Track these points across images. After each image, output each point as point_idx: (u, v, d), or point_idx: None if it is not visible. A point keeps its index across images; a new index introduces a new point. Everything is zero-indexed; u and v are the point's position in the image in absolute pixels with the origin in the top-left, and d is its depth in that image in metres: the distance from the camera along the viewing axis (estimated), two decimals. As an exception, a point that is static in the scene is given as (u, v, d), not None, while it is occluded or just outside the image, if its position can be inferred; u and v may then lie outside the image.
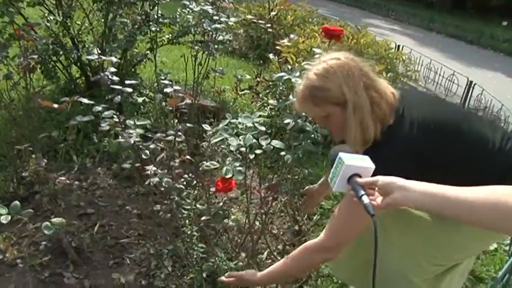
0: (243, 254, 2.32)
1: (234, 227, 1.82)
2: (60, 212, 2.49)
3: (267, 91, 3.09)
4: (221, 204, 2.06)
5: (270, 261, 2.30)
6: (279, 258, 2.30)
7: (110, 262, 2.34)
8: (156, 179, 1.74)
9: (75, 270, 2.26)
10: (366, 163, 1.14)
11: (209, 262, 2.14)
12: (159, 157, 1.84)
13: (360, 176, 1.13)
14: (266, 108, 3.27)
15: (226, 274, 1.66)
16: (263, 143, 1.72)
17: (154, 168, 1.79)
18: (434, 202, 0.99)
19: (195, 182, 2.00)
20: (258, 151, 1.70)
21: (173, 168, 1.85)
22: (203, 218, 1.86)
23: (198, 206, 1.89)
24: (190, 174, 2.02)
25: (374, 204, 1.06)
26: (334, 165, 1.16)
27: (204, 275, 2.19)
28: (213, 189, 1.81)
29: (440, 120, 1.41)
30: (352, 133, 1.40)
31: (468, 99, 6.23)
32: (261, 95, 3.34)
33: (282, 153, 1.77)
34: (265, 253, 2.33)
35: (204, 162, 1.86)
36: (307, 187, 2.12)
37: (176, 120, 3.10)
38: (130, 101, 1.89)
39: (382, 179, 1.07)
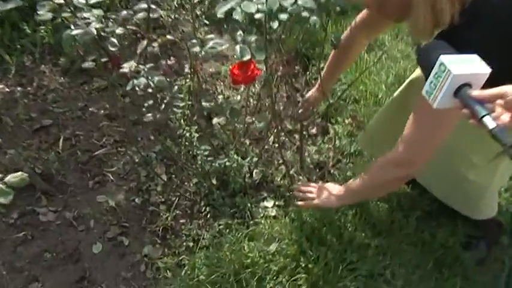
0: (256, 150, 1.98)
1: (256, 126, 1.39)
2: (9, 132, 1.95)
3: None
4: (238, 97, 1.57)
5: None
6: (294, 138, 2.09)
7: (89, 183, 1.92)
8: (142, 80, 1.22)
9: (50, 202, 1.83)
10: (478, 67, 0.91)
11: (216, 163, 1.74)
12: (141, 48, 1.28)
13: (471, 86, 0.91)
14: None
15: (299, 202, 1.55)
16: (286, 3, 1.19)
17: (135, 64, 1.25)
18: None
19: (187, 69, 1.49)
20: (282, 16, 1.18)
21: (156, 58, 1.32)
22: (215, 119, 1.40)
23: (203, 103, 1.40)
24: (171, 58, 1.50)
25: (502, 124, 0.83)
26: (433, 74, 0.93)
27: (214, 180, 1.83)
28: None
29: None
30: (421, 14, 1.05)
31: None
32: None
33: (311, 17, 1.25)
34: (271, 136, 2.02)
35: (168, 36, 1.36)
36: (306, 96, 1.81)
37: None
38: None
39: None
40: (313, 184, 1.59)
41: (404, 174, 1.27)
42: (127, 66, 1.20)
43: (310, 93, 1.80)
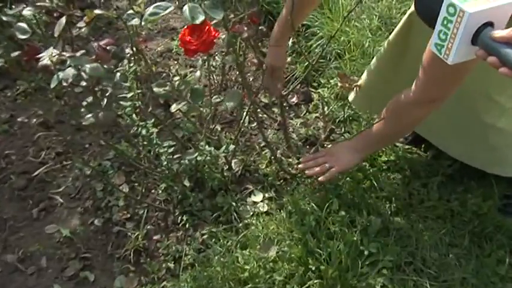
0: (231, 136, 1.90)
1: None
2: None
3: None
4: (197, 74, 1.40)
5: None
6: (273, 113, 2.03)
7: (32, 212, 1.78)
8: (70, 72, 1.03)
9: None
10: None
11: (185, 160, 1.60)
12: (59, 29, 1.08)
13: (493, 26, 0.84)
14: None
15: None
16: None
17: (55, 51, 1.06)
18: None
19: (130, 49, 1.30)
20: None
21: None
22: (174, 106, 1.24)
23: (155, 89, 1.23)
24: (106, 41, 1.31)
25: None
26: (441, 21, 0.88)
27: (186, 182, 1.74)
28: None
29: None
30: None
31: None
32: None
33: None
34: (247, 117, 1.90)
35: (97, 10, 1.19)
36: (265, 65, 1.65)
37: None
38: None
39: None
40: (319, 153, 1.61)
41: (427, 112, 1.34)
42: (46, 56, 1.01)
43: (267, 62, 1.65)
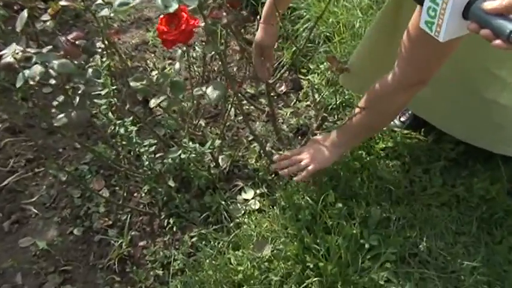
0: (216, 130, 1.93)
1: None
2: None
3: None
4: (177, 66, 1.42)
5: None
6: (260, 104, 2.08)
7: (3, 226, 1.76)
8: (37, 69, 1.04)
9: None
10: None
11: (168, 159, 1.62)
12: (21, 23, 1.09)
13: None
14: None
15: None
16: None
17: (18, 48, 1.08)
18: None
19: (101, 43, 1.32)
20: None
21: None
22: (153, 101, 1.26)
23: (132, 84, 1.25)
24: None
25: None
26: None
27: (171, 182, 1.77)
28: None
29: None
30: None
31: None
32: None
33: None
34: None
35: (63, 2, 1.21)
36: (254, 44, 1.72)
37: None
38: None
39: None
40: (295, 150, 1.64)
41: (411, 96, 1.36)
42: (8, 53, 1.02)
43: (257, 40, 1.70)
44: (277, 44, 2.23)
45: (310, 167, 1.52)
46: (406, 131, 1.85)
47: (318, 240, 1.51)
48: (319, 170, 1.57)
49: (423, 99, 1.44)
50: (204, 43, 2.14)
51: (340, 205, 1.57)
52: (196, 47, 2.23)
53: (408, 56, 1.25)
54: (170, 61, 2.25)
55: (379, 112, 1.43)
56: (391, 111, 1.44)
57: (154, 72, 1.83)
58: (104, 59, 1.33)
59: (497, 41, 0.84)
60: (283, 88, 2.15)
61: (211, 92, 1.31)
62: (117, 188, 1.84)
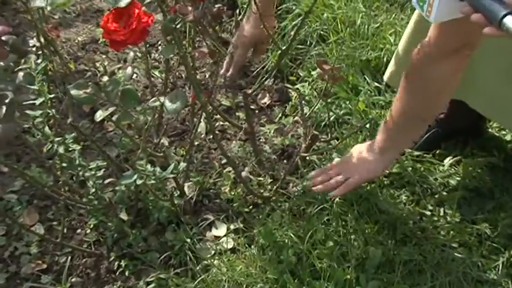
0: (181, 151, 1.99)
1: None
2: None
3: None
4: (129, 71, 1.46)
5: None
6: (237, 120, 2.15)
7: None
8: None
9: None
10: None
11: (121, 186, 1.66)
12: None
13: None
14: None
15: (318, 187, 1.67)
16: None
17: None
18: None
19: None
20: None
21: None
22: (99, 113, 1.30)
23: (74, 92, 1.29)
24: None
25: None
26: None
27: (123, 215, 1.79)
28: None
29: None
30: None
31: None
32: None
33: None
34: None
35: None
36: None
37: None
38: None
39: None
40: (328, 166, 1.72)
41: (459, 65, 1.39)
42: None
43: (247, 34, 1.79)
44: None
45: (351, 179, 1.58)
46: (417, 153, 1.91)
47: (303, 287, 1.55)
48: (363, 183, 1.65)
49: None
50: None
51: (331, 243, 1.61)
52: (160, 47, 2.28)
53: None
54: (124, 64, 2.25)
55: (424, 92, 1.47)
56: (436, 87, 1.46)
57: (105, 78, 1.88)
58: (40, 61, 1.36)
59: (488, 29, 0.94)
60: (266, 100, 2.20)
61: (169, 103, 1.35)
62: (54, 222, 1.85)
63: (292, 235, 1.67)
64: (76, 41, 2.36)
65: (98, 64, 2.28)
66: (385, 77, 1.86)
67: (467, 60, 1.40)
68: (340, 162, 1.66)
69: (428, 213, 1.78)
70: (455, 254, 1.69)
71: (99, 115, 1.37)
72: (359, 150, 1.65)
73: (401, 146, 1.71)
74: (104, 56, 2.34)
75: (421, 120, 1.62)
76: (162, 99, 1.39)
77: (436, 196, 1.82)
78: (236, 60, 1.88)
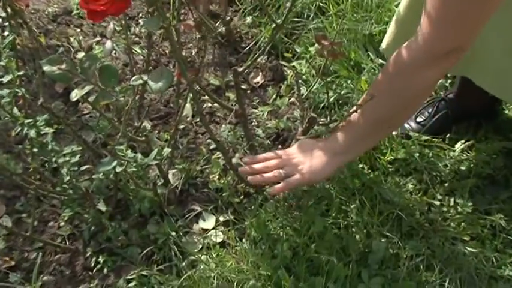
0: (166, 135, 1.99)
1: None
2: None
3: None
4: (108, 45, 1.47)
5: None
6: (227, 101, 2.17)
7: None
8: None
9: None
10: None
11: (98, 174, 1.67)
12: None
13: None
14: None
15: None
16: None
17: None
18: None
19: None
20: None
21: None
22: (75, 92, 1.30)
23: (46, 68, 1.29)
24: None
25: None
26: None
27: (101, 206, 1.80)
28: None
29: None
30: None
31: None
32: None
33: None
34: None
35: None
36: None
37: None
38: None
39: None
40: (279, 151, 1.63)
41: (443, 71, 1.45)
42: None
43: None
44: (251, 19, 2.29)
45: (293, 177, 1.53)
46: (424, 137, 1.92)
47: (300, 284, 1.55)
48: (308, 184, 1.62)
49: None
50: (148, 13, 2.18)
51: (330, 236, 1.62)
52: (141, 21, 2.27)
53: (439, 13, 1.29)
54: (103, 39, 2.27)
55: (399, 97, 1.46)
56: (416, 94, 1.46)
57: (80, 54, 1.88)
58: (6, 34, 1.36)
59: None
60: (258, 79, 2.21)
61: (153, 81, 1.35)
62: (24, 214, 1.86)
63: (287, 227, 1.68)
64: (46, 12, 2.35)
65: (71, 39, 2.26)
66: (382, 46, 1.83)
67: (450, 69, 1.43)
68: (284, 154, 1.60)
69: (437, 203, 1.79)
70: (467, 248, 1.70)
71: (75, 94, 1.37)
72: (309, 145, 1.60)
73: (357, 151, 1.66)
74: (78, 30, 2.33)
75: (387, 126, 1.61)
76: (144, 77, 1.40)
77: (446, 184, 1.83)
78: None
